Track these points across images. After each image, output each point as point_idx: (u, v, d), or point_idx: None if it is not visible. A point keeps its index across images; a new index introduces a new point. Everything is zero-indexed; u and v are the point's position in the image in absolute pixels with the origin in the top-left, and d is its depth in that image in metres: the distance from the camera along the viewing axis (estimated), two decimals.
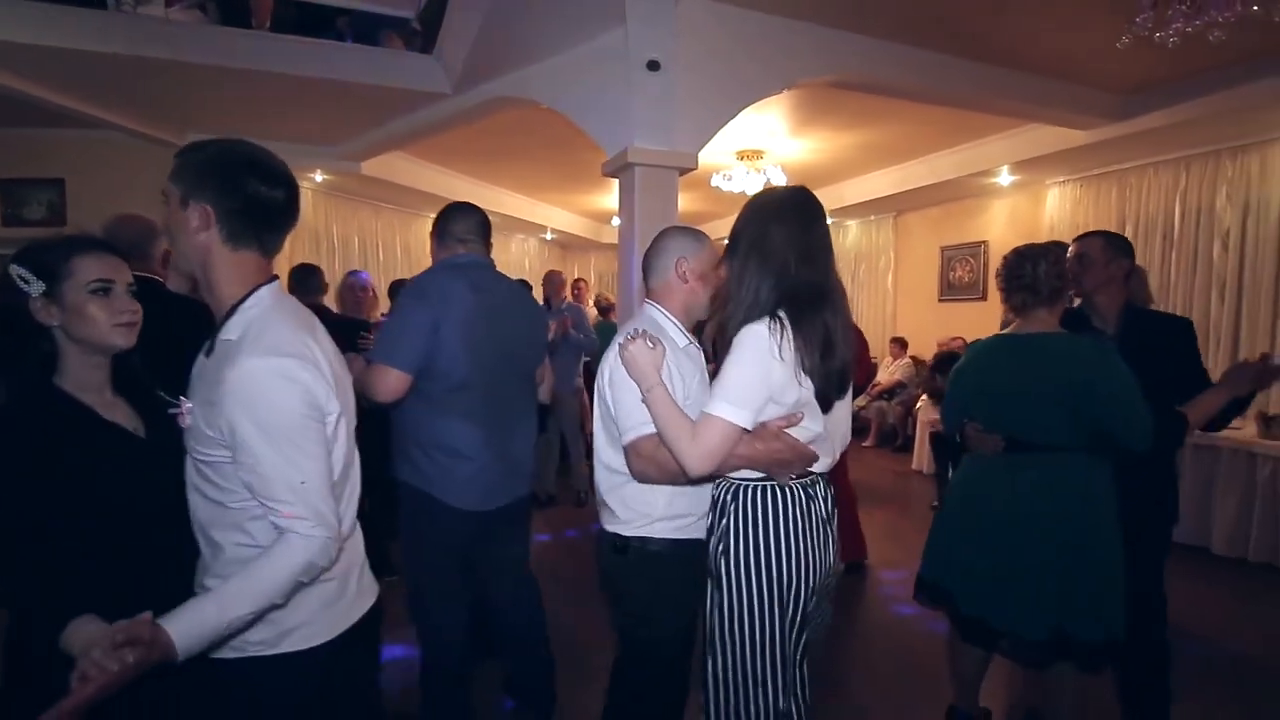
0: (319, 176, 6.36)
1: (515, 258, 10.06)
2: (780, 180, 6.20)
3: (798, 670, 1.46)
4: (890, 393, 7.51)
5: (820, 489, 1.48)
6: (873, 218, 8.54)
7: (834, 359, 1.38)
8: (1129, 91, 4.68)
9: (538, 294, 4.22)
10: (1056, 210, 6.34)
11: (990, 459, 2.02)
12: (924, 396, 6.49)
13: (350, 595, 1.24)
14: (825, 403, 1.41)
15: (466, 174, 7.49)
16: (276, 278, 1.21)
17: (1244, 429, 4.18)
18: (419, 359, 1.89)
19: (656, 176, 3.48)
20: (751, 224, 1.44)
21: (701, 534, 1.57)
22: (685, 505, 1.56)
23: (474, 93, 4.48)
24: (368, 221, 7.67)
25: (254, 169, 1.14)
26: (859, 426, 6.95)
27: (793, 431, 1.38)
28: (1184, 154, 5.31)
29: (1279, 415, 4.07)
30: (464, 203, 2.16)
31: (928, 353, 6.72)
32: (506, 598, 2.25)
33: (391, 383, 1.88)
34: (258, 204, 1.14)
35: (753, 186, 6.28)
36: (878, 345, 7.87)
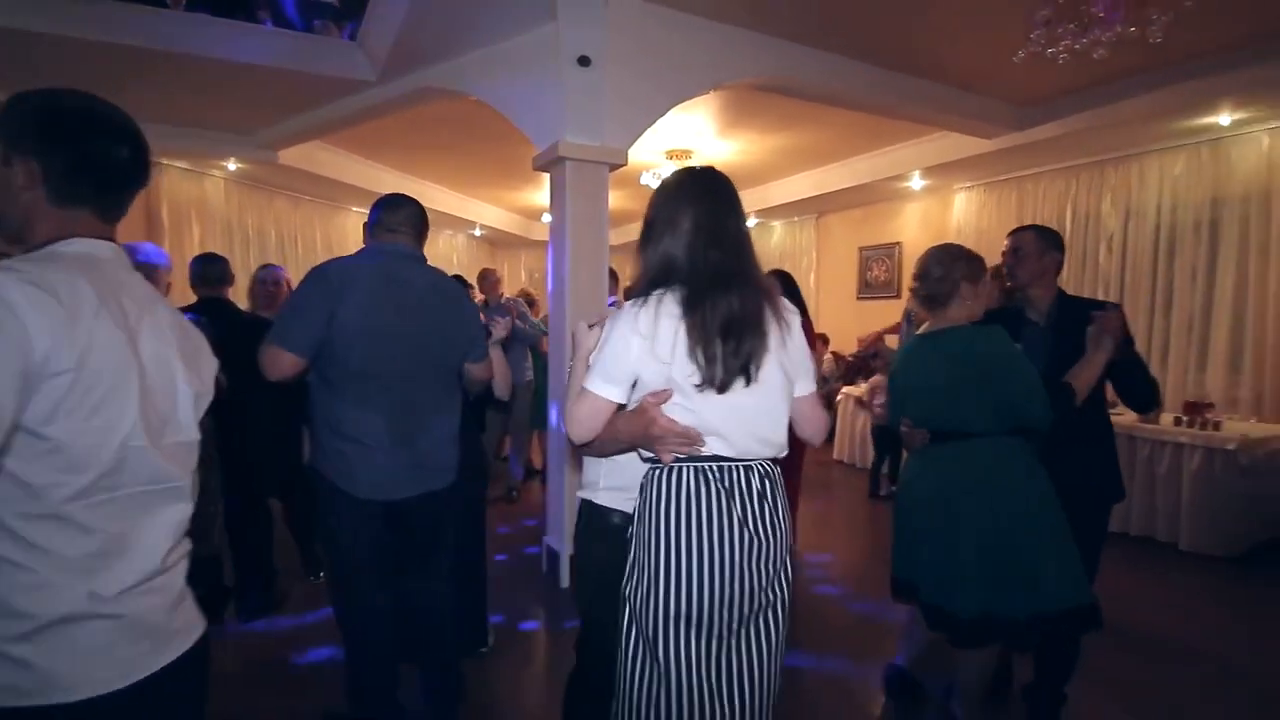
0: (232, 165, 6.05)
1: (443, 253, 9.86)
2: None
3: (695, 675, 1.36)
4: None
5: (725, 476, 1.37)
6: (796, 219, 8.84)
7: (732, 343, 1.32)
8: (1027, 104, 5.05)
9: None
10: (963, 214, 6.77)
11: (921, 452, 2.20)
12: (844, 390, 6.78)
13: (157, 635, 1.01)
14: (721, 387, 1.33)
15: (393, 166, 7.29)
16: (114, 242, 1.06)
17: (1125, 415, 4.59)
18: (311, 342, 1.86)
19: (587, 172, 3.52)
20: (662, 206, 1.44)
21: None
22: (619, 479, 1.57)
23: (400, 82, 4.39)
24: (285, 213, 7.35)
25: (91, 122, 1.02)
26: None
27: (674, 413, 1.34)
28: (1074, 163, 5.78)
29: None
30: (399, 194, 2.14)
31: (848, 348, 7.02)
32: (420, 597, 2.20)
33: (282, 364, 1.87)
34: (94, 161, 1.01)
35: None
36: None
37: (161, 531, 1.02)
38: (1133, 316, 5.46)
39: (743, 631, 1.40)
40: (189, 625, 1.08)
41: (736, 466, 1.38)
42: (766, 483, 1.41)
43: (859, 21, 3.76)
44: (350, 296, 1.88)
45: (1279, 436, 4.22)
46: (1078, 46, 3.33)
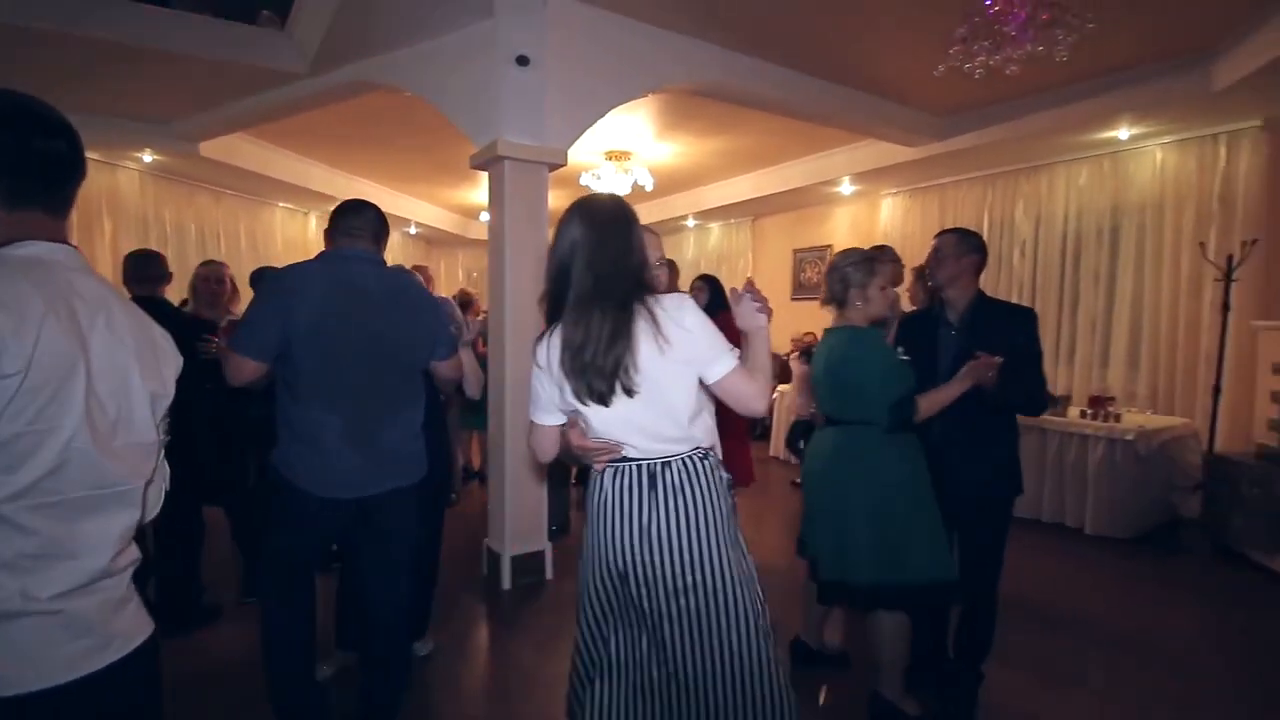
0: (148, 157, 5.74)
1: None
2: (647, 181, 6.42)
3: (594, 648, 1.61)
4: None
5: (641, 473, 1.50)
6: (733, 221, 9.03)
7: (591, 361, 1.43)
8: (947, 115, 5.33)
9: None
10: (890, 218, 7.07)
11: (817, 435, 2.43)
12: (779, 387, 6.97)
13: (97, 634, 0.98)
14: (600, 399, 1.45)
15: (323, 160, 7.06)
16: (67, 243, 1.06)
17: None
18: (269, 347, 1.92)
19: (526, 172, 3.51)
20: (556, 231, 1.55)
21: None
22: None
23: (332, 75, 4.27)
24: (207, 209, 7.02)
25: (26, 118, 1.00)
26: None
27: (590, 426, 1.52)
28: (990, 172, 6.13)
29: (1065, 396, 4.80)
30: (359, 200, 2.19)
31: (783, 348, 7.22)
32: (373, 594, 2.20)
33: (244, 371, 1.95)
34: (38, 159, 1.00)
35: (621, 186, 6.45)
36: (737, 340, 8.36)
37: (107, 535, 1.00)
38: (1043, 316, 5.81)
39: (668, 610, 1.49)
40: (135, 628, 1.06)
41: (653, 464, 1.51)
42: (684, 475, 1.51)
43: (793, 32, 3.89)
44: (305, 301, 1.93)
45: (1171, 427, 4.59)
46: (992, 63, 3.55)
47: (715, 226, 9.39)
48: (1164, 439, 4.47)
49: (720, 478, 1.56)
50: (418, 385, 2.21)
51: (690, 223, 9.33)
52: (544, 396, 1.56)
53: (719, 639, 1.48)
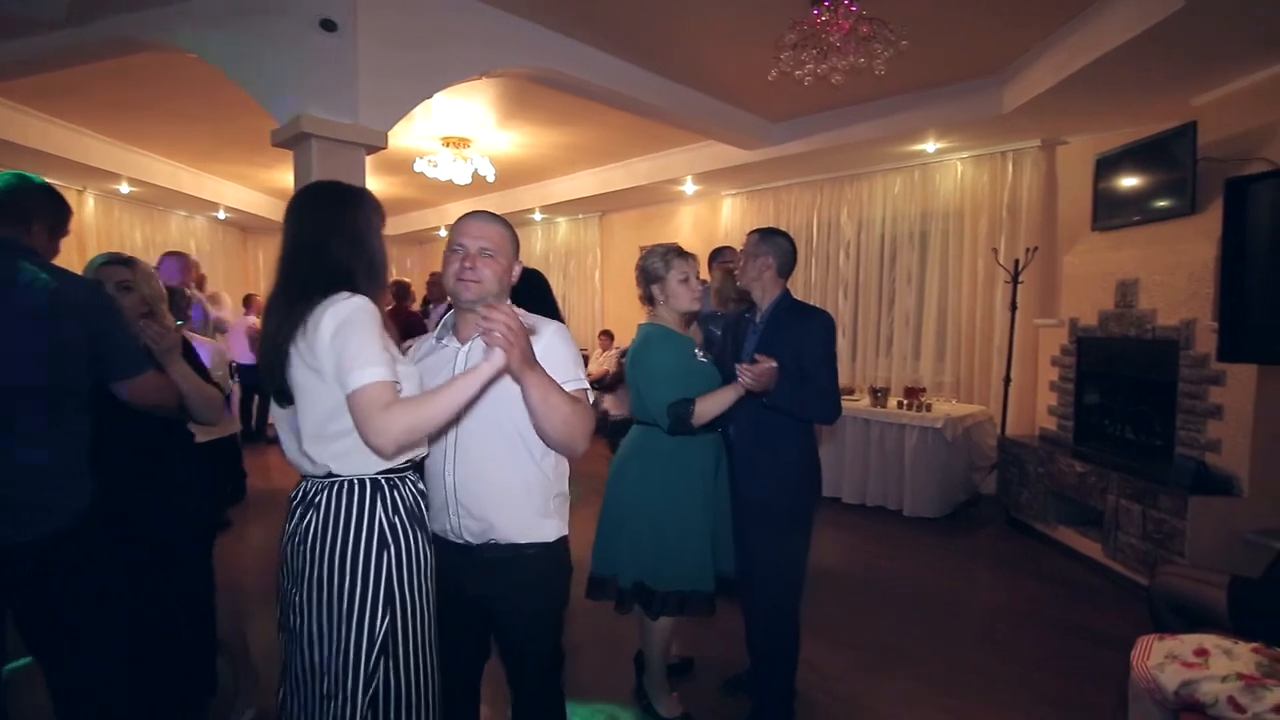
0: None
1: (177, 239, 8.40)
2: (488, 171, 6.11)
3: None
4: (599, 382, 7.91)
5: (299, 492, 1.45)
6: (580, 216, 8.91)
7: (263, 361, 1.39)
8: (780, 120, 5.54)
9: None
10: (730, 219, 7.29)
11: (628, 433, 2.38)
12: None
13: None
14: (275, 397, 1.41)
15: (99, 131, 6.01)
16: None
17: (861, 400, 5.24)
18: None
19: (339, 153, 3.13)
20: None
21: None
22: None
23: (95, 27, 3.57)
24: None
25: None
26: None
27: None
28: (819, 178, 6.49)
29: (885, 389, 5.17)
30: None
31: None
32: (56, 682, 1.67)
33: None
34: None
35: (460, 175, 6.09)
36: (588, 338, 8.29)
37: None
38: (865, 313, 6.28)
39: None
40: None
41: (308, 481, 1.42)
42: (315, 500, 1.38)
43: (630, 24, 3.80)
44: None
45: (973, 414, 5.09)
46: (819, 71, 3.69)
47: (563, 221, 9.22)
48: (967, 425, 4.94)
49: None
50: (60, 411, 1.63)
51: (537, 216, 9.08)
52: None
53: (310, 638, 1.39)
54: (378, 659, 1.34)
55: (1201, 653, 1.70)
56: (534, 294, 3.56)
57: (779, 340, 2.17)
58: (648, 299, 2.28)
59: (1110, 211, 4.16)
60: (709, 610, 2.21)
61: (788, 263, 2.28)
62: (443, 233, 9.67)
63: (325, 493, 1.37)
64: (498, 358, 1.24)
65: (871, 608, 3.37)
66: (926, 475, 4.76)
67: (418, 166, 6.15)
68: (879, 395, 5.09)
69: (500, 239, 1.55)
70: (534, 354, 1.33)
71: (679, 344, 2.22)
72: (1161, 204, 3.75)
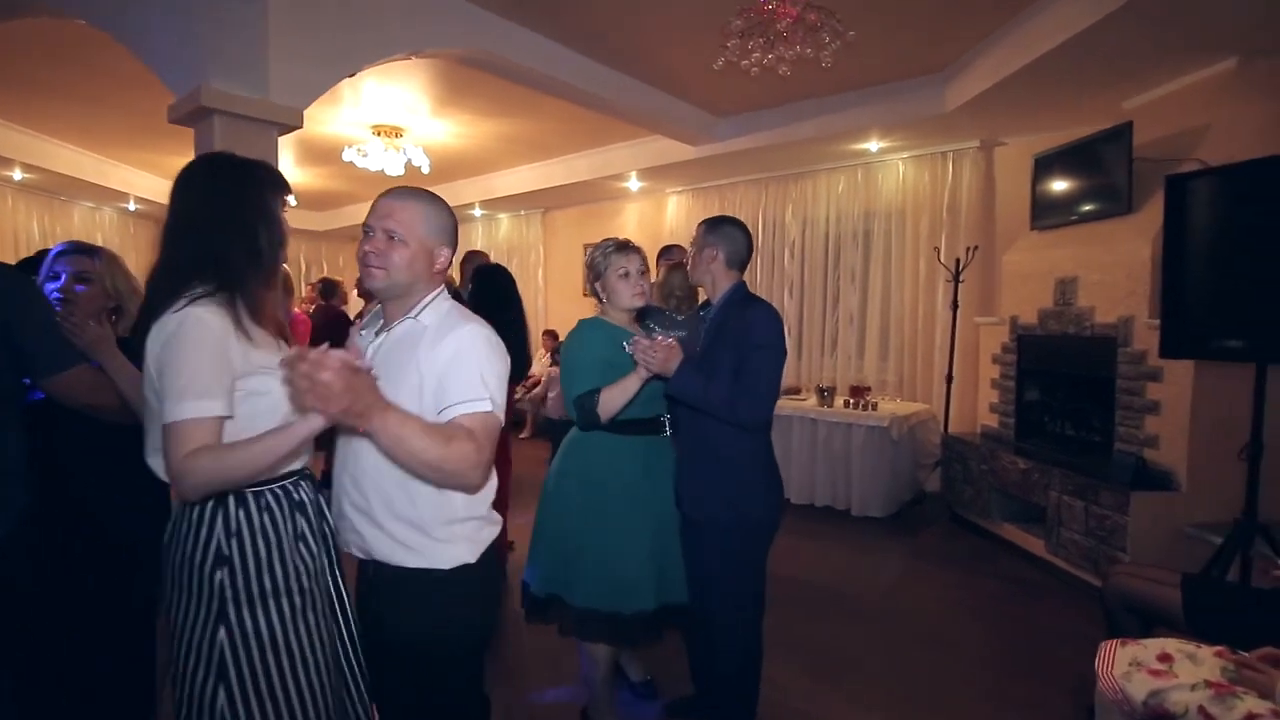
0: None
1: (82, 231, 7.75)
2: (423, 161, 5.81)
3: None
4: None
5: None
6: (522, 212, 8.65)
7: None
8: (725, 115, 5.45)
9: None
10: (675, 216, 7.18)
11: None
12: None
13: None
14: None
15: None
16: None
17: (808, 400, 5.18)
18: None
19: (246, 132, 2.81)
20: None
21: None
22: None
23: None
24: None
25: None
26: (516, 419, 6.91)
27: None
28: (764, 176, 6.43)
29: (831, 388, 5.12)
30: None
31: None
32: None
33: None
34: None
35: (392, 165, 5.77)
36: (531, 338, 8.02)
37: None
38: (810, 312, 6.25)
39: None
40: None
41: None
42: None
43: (570, 4, 3.61)
44: None
45: (917, 413, 5.10)
46: (766, 61, 3.59)
47: (504, 217, 8.94)
48: (912, 423, 4.94)
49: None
50: None
51: (477, 212, 8.76)
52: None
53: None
54: (216, 685, 1.19)
55: (1166, 658, 1.64)
56: (491, 295, 3.28)
57: (724, 335, 1.99)
58: (594, 295, 2.15)
59: (1048, 211, 4.21)
60: (645, 637, 2.02)
61: (738, 252, 2.10)
62: None
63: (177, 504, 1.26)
64: (315, 418, 1.09)
65: (822, 612, 3.28)
66: (874, 475, 4.73)
67: (346, 156, 5.79)
68: (826, 395, 5.04)
69: (412, 221, 1.33)
70: (376, 398, 1.11)
71: (607, 334, 2.04)
72: (1098, 204, 3.79)
